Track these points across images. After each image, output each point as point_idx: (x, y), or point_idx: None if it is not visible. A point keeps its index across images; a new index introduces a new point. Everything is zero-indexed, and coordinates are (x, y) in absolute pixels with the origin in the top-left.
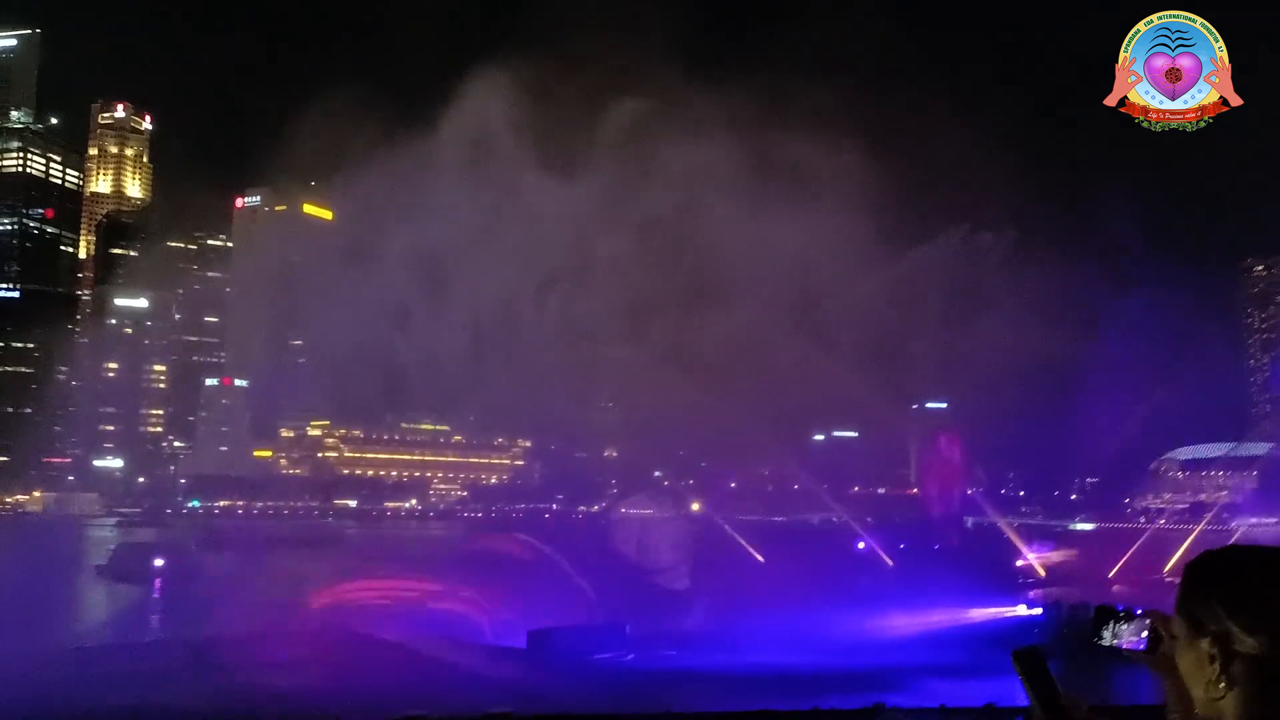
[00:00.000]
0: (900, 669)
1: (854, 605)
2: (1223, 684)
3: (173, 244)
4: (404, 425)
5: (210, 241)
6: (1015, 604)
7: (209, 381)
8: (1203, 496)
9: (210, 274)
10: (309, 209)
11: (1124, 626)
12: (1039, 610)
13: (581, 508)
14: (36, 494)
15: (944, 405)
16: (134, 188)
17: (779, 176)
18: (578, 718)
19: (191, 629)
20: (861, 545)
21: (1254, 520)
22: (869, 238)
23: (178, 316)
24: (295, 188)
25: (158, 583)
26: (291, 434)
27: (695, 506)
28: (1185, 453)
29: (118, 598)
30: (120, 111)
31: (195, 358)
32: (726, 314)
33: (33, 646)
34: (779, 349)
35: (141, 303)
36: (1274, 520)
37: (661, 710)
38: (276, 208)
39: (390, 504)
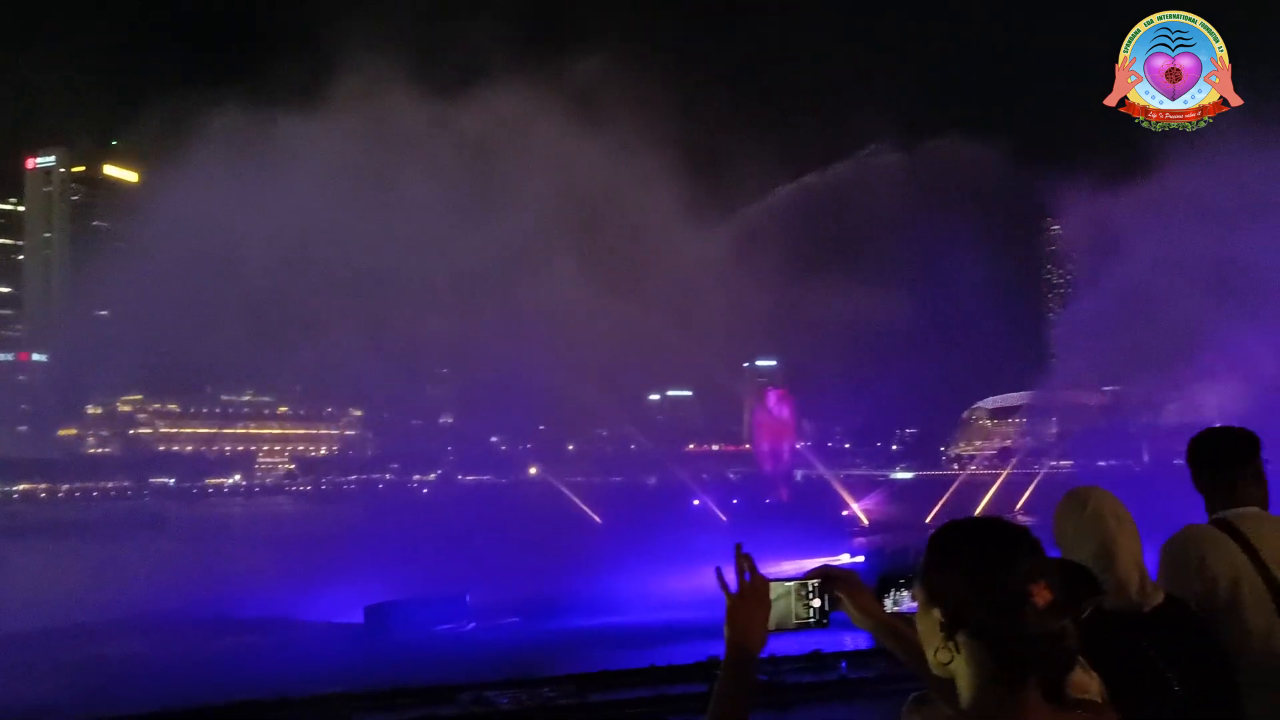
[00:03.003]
0: None
1: (690, 561)
2: (949, 651)
3: None
4: (224, 398)
5: None
6: (840, 552)
7: (3, 357)
8: (1008, 442)
9: (1, 240)
10: (111, 170)
11: (904, 594)
12: (861, 558)
13: (417, 476)
14: None
15: (774, 363)
16: None
17: (600, 134)
18: (414, 691)
19: (6, 623)
20: (696, 503)
21: (1053, 463)
22: (699, 193)
23: None
24: (95, 148)
25: None
26: (99, 411)
27: (533, 470)
28: (992, 401)
29: None
30: None
31: None
32: (553, 274)
33: None
34: (611, 309)
35: None
36: (1070, 463)
37: (502, 679)
38: (74, 169)
39: (212, 480)
